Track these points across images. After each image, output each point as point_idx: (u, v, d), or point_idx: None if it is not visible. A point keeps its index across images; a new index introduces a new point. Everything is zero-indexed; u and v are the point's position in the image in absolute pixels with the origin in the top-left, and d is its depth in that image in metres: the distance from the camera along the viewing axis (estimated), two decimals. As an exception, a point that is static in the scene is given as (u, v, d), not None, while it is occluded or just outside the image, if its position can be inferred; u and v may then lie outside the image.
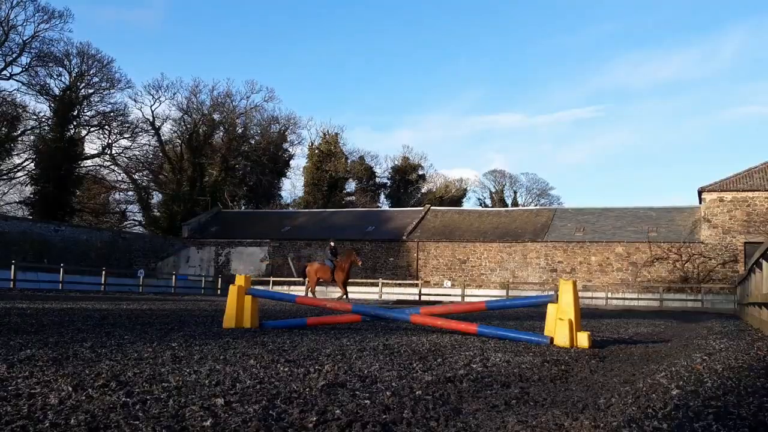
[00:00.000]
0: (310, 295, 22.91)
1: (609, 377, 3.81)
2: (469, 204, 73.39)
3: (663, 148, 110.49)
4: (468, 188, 75.22)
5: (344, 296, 22.57)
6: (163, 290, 35.88)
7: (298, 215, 51.29)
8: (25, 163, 49.33)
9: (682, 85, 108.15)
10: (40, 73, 48.30)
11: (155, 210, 58.59)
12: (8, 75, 46.60)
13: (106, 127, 52.90)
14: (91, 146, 54.35)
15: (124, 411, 2.39)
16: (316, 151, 63.29)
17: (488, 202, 75.73)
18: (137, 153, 55.64)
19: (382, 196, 70.23)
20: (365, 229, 44.74)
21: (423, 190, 70.28)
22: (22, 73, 47.36)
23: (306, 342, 5.47)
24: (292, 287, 40.44)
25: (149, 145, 56.94)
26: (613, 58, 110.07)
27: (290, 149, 65.75)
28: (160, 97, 57.44)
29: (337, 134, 65.05)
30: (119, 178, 56.81)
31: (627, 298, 35.65)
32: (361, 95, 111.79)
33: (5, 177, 48.75)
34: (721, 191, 36.70)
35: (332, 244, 24.49)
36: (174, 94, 71.59)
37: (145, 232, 55.41)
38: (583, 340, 5.75)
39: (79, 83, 50.17)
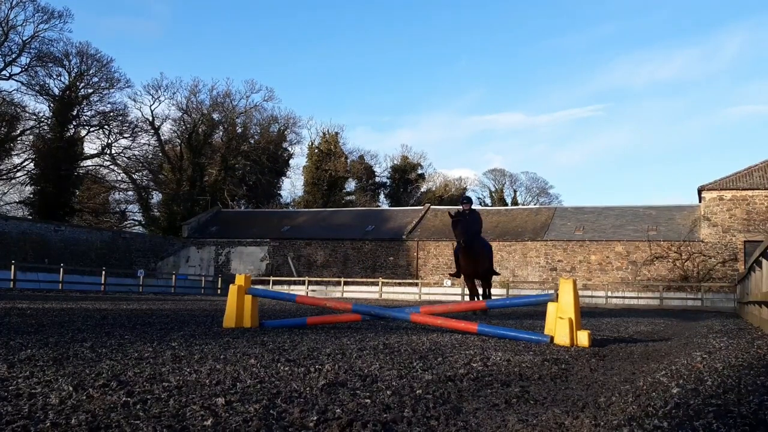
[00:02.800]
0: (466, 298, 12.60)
1: (609, 376, 3.81)
2: (468, 203, 73.23)
3: (663, 147, 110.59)
4: (468, 187, 75.25)
5: (479, 296, 12.97)
6: (163, 290, 35.89)
7: (298, 215, 51.28)
8: (24, 163, 49.34)
9: (682, 85, 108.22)
10: (40, 73, 48.34)
11: (155, 210, 58.58)
12: (8, 75, 46.60)
13: (106, 126, 52.90)
14: (91, 146, 54.34)
15: (125, 411, 2.39)
16: (316, 151, 63.28)
17: (488, 201, 75.73)
18: (137, 153, 55.70)
19: (382, 196, 70.27)
20: (365, 228, 44.75)
21: (423, 190, 70.27)
22: (21, 73, 47.39)
23: (306, 341, 5.47)
24: (292, 287, 40.46)
25: (149, 145, 57.00)
26: (614, 58, 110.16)
27: (290, 149, 65.85)
28: (159, 96, 57.57)
29: (336, 134, 65.09)
30: (119, 178, 56.85)
31: (627, 297, 35.66)
32: (361, 95, 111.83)
33: (5, 177, 48.72)
34: (721, 190, 36.70)
35: (461, 207, 12.60)
36: (173, 93, 71.88)
37: (145, 232, 55.39)
38: (583, 338, 5.75)
39: (78, 83, 50.15)
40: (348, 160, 65.28)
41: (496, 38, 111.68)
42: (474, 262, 12.37)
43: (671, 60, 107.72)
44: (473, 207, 12.37)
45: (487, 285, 13.03)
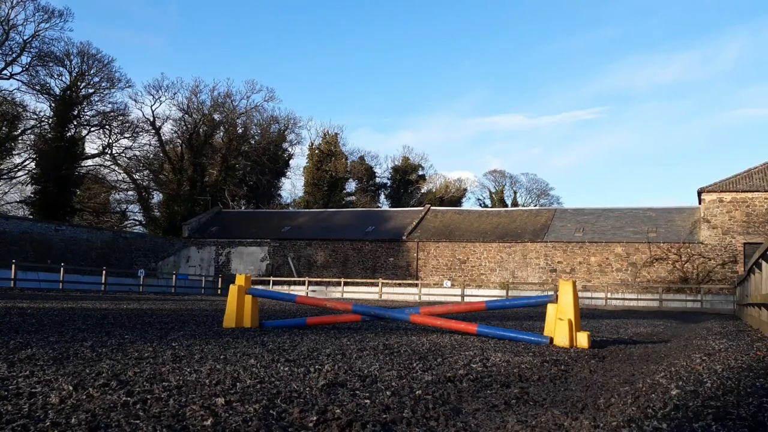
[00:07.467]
0: None
1: (608, 377, 3.81)
2: (468, 204, 73.39)
3: (663, 150, 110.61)
4: (468, 188, 75.24)
5: None
6: (163, 290, 35.88)
7: (298, 215, 51.29)
8: (25, 163, 49.33)
9: (682, 88, 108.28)
10: (41, 73, 48.28)
11: (155, 210, 58.57)
12: (8, 74, 46.57)
13: (107, 126, 52.89)
14: (92, 146, 54.26)
15: (125, 410, 2.39)
16: (316, 151, 63.29)
17: (488, 202, 75.69)
18: (138, 153, 55.67)
19: (382, 196, 70.27)
20: (365, 229, 44.75)
21: (423, 191, 70.26)
22: (22, 73, 47.32)
23: (306, 342, 5.47)
24: (293, 287, 40.46)
25: (150, 145, 56.96)
26: (615, 61, 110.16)
27: (290, 149, 65.85)
28: (160, 97, 57.46)
29: (337, 134, 65.10)
30: (120, 178, 56.81)
31: (626, 299, 35.65)
32: (363, 96, 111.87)
33: (6, 176, 48.73)
34: (721, 192, 36.69)
35: None
36: (174, 94, 71.45)
37: (145, 232, 55.38)
38: (582, 340, 5.75)
39: (79, 83, 50.14)
40: (348, 161, 65.29)
41: (498, 40, 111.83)
42: None
43: (672, 63, 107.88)
44: None
45: None
